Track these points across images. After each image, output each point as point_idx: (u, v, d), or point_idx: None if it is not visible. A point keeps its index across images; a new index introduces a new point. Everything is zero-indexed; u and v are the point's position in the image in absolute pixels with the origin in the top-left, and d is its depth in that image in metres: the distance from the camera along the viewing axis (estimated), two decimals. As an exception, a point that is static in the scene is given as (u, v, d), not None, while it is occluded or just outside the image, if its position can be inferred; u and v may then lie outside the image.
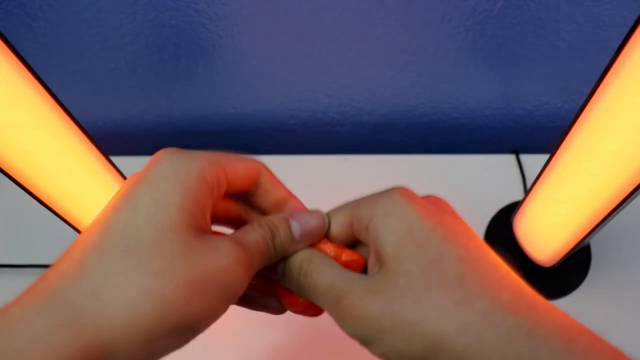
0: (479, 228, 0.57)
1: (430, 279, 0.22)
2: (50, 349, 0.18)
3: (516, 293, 0.23)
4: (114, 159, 0.44)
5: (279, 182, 0.28)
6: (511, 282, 0.23)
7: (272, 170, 0.28)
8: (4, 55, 0.32)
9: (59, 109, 0.36)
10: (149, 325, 0.20)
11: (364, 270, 0.28)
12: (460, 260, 0.23)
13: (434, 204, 0.26)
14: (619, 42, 0.31)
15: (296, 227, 0.26)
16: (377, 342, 0.23)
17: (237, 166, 0.26)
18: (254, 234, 0.25)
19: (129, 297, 0.20)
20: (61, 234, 0.45)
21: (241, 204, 0.29)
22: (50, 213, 0.42)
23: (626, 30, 0.30)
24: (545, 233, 0.47)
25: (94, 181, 0.42)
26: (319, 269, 0.26)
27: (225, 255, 0.23)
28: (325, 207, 0.29)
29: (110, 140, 0.66)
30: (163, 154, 0.24)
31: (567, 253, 0.46)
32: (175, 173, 0.23)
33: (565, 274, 0.53)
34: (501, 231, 0.55)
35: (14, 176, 0.37)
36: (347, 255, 0.27)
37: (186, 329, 0.22)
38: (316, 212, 0.27)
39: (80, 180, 0.41)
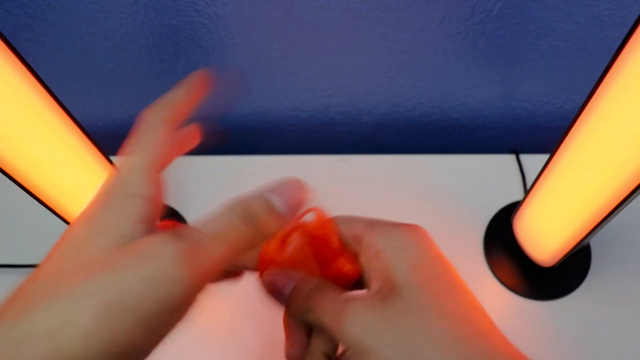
0: (479, 228, 0.57)
1: (442, 307, 0.23)
2: None
3: (514, 350, 0.23)
4: (114, 159, 0.44)
5: None
6: (508, 342, 0.24)
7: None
8: (4, 55, 0.32)
9: (59, 109, 0.36)
10: (71, 355, 0.19)
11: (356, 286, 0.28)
12: (468, 300, 0.24)
13: None
14: (619, 42, 0.31)
15: (278, 200, 0.23)
16: (375, 355, 0.23)
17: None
18: (216, 221, 0.22)
19: (50, 327, 0.19)
20: (61, 234, 0.45)
21: None
22: (50, 213, 0.42)
23: (626, 30, 0.30)
24: (545, 233, 0.47)
25: (94, 181, 0.43)
26: (325, 298, 0.26)
27: (155, 260, 0.20)
28: (325, 207, 0.29)
29: (110, 140, 0.66)
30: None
31: (567, 253, 0.46)
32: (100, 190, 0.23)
33: (565, 274, 0.53)
34: (501, 231, 0.55)
35: (13, 176, 0.37)
36: (345, 262, 0.28)
37: (118, 356, 0.19)
38: (294, 180, 0.24)
39: (80, 180, 0.41)
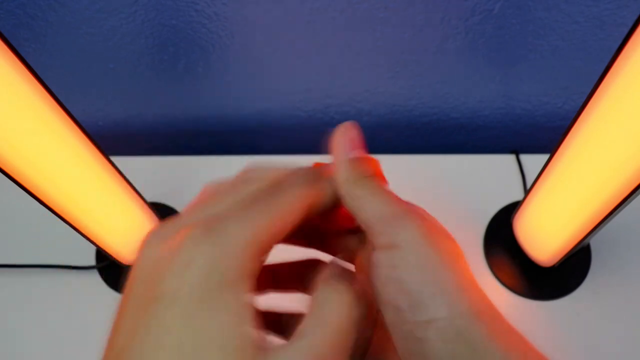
0: (479, 228, 0.57)
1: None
2: None
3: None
4: (114, 159, 0.44)
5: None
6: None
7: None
8: (4, 55, 0.32)
9: (59, 109, 0.36)
10: None
11: None
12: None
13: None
14: (619, 42, 0.31)
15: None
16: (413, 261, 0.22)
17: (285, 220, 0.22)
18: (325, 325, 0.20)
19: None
20: (61, 234, 0.45)
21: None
22: (50, 213, 0.42)
23: (626, 30, 0.30)
24: (545, 233, 0.47)
25: (94, 181, 0.43)
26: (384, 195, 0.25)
27: None
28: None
29: (110, 140, 0.66)
30: (187, 251, 0.19)
31: (567, 253, 0.46)
32: (210, 293, 0.18)
33: (565, 274, 0.53)
34: (501, 231, 0.55)
35: (13, 176, 0.37)
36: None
37: None
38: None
39: (80, 180, 0.41)
